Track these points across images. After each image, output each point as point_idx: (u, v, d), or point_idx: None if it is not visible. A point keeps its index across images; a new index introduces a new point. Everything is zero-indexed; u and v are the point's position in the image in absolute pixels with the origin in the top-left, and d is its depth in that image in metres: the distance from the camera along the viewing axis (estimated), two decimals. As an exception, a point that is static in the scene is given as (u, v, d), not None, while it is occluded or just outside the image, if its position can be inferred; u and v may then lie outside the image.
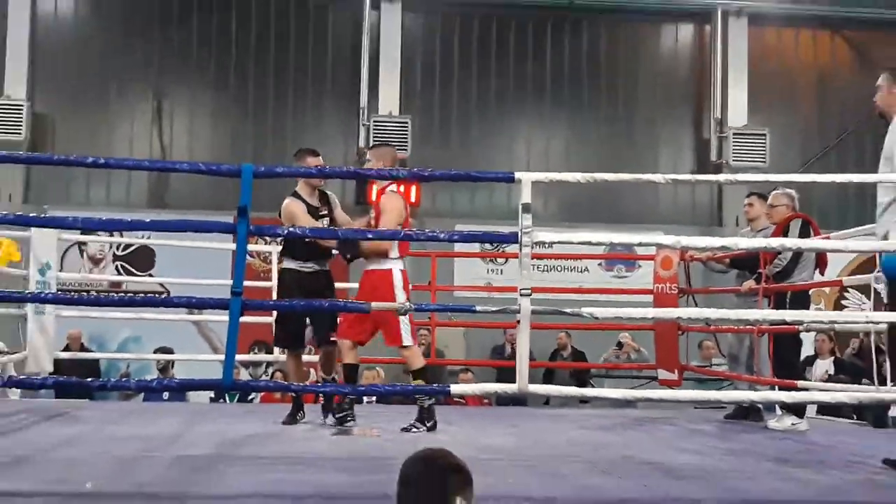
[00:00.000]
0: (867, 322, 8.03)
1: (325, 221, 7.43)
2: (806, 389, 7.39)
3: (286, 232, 6.53)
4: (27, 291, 8.64)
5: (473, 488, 2.85)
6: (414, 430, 6.88)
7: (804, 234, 7.94)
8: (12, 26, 15.50)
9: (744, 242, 7.18)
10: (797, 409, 7.93)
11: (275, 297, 8.32)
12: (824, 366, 11.64)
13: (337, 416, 7.12)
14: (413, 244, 7.99)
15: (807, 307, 8.40)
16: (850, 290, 13.34)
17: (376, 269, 6.97)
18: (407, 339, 7.12)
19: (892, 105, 5.48)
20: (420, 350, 7.67)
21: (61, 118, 15.78)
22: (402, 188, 7.84)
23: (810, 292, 8.81)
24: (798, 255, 7.84)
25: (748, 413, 8.50)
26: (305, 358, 8.24)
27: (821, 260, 8.26)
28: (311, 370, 9.70)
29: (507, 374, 10.97)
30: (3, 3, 15.50)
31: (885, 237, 5.25)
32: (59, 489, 4.32)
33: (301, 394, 7.45)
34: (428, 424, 6.91)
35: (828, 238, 7.97)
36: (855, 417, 10.65)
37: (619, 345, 12.95)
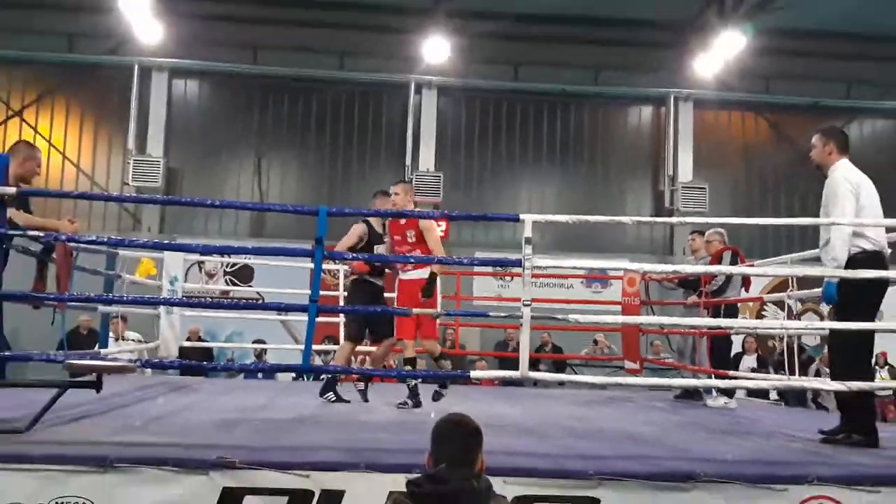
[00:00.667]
0: (781, 328, 8.00)
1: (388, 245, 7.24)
2: (735, 378, 7.33)
3: (350, 257, 6.54)
4: (160, 297, 8.73)
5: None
6: (405, 405, 6.69)
7: (733, 262, 7.94)
8: (154, 103, 15.69)
9: (688, 268, 7.22)
10: (728, 392, 7.90)
11: (342, 302, 8.31)
12: (749, 361, 11.61)
13: (410, 398, 6.78)
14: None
15: (735, 316, 8.43)
16: (768, 304, 13.25)
17: (415, 279, 6.71)
18: (436, 334, 7.12)
19: (825, 160, 5.34)
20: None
21: (188, 170, 15.91)
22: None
23: (738, 306, 8.79)
24: (729, 277, 7.83)
25: (692, 395, 8.46)
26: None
27: (746, 281, 8.29)
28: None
29: (508, 363, 11.04)
30: (148, 87, 15.68)
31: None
32: (181, 441, 4.34)
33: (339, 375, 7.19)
34: (414, 401, 6.71)
35: (751, 265, 7.99)
36: (780, 399, 10.62)
37: (595, 342, 12.92)
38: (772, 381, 7.62)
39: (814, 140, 5.45)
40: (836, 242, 5.04)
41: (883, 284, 5.06)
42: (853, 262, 5.02)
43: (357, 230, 7.18)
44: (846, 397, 5.15)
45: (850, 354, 5.10)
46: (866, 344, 5.18)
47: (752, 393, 9.82)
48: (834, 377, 5.11)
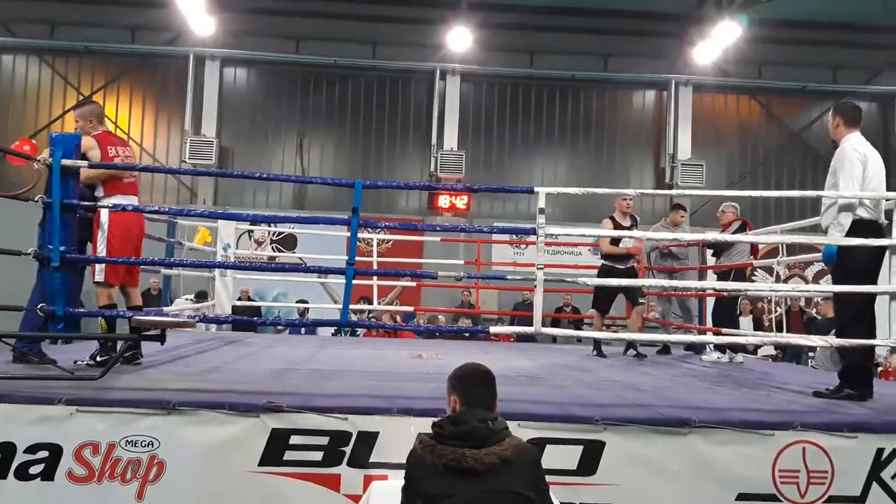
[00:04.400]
0: (770, 291, 7.91)
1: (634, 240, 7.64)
2: (729, 335, 7.16)
3: (383, 225, 6.52)
4: (216, 261, 8.81)
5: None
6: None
7: (741, 231, 7.79)
8: (207, 89, 15.74)
9: (686, 236, 7.14)
10: (734, 349, 7.79)
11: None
12: (745, 322, 11.50)
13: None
14: (464, 234, 8.04)
15: (743, 280, 7.91)
16: (757, 269, 13.12)
17: None
18: None
19: (834, 133, 5.19)
20: None
21: (238, 149, 15.97)
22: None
23: (745, 270, 8.43)
24: (732, 244, 7.72)
25: (668, 349, 8.60)
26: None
27: (754, 249, 8.17)
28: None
29: (525, 321, 11.04)
30: (202, 74, 15.71)
31: (826, 231, 5.06)
32: (235, 388, 4.39)
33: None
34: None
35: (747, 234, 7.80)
36: (780, 355, 10.45)
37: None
38: (764, 338, 7.52)
39: (828, 117, 5.33)
40: (841, 208, 4.92)
41: (879, 252, 4.93)
42: (851, 229, 4.89)
43: (607, 224, 7.70)
44: (848, 357, 5.03)
45: (848, 315, 5.01)
46: (866, 307, 5.01)
47: (752, 351, 9.75)
48: (837, 335, 5.00)
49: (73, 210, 4.67)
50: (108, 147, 5.20)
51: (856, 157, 4.95)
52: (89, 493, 3.71)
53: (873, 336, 4.96)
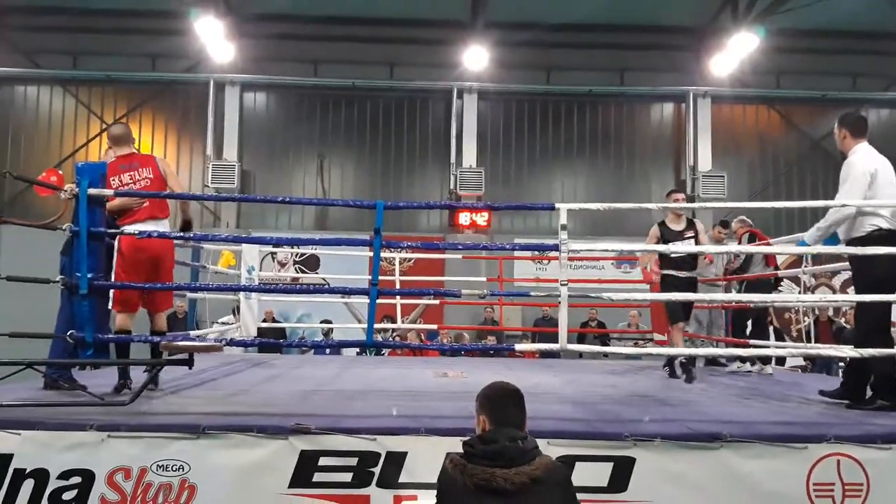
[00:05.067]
0: (797, 302, 7.82)
1: (691, 242, 6.86)
2: (756, 346, 7.10)
3: (406, 245, 6.54)
4: (240, 284, 8.86)
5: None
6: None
7: (751, 242, 7.77)
8: (228, 114, 15.92)
9: (709, 248, 7.09)
10: (763, 360, 7.69)
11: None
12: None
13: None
14: (486, 251, 7.88)
15: (768, 291, 7.84)
16: (784, 280, 12.97)
17: None
18: None
19: (842, 145, 5.22)
20: None
21: (259, 172, 16.10)
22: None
23: (771, 281, 8.14)
24: (749, 256, 7.68)
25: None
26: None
27: (770, 260, 8.01)
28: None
29: (548, 337, 10.99)
30: (222, 100, 15.91)
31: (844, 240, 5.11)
32: (263, 411, 4.40)
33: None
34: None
35: (767, 244, 7.72)
36: (810, 366, 10.26)
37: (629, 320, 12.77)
38: (789, 348, 7.44)
39: (834, 130, 5.32)
40: (832, 216, 4.98)
41: None
42: (870, 239, 4.87)
43: (653, 232, 7.09)
44: (870, 365, 4.95)
45: (869, 325, 4.96)
46: (885, 316, 4.98)
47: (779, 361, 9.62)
48: (858, 346, 4.95)
49: (100, 238, 4.73)
50: (112, 178, 5.19)
51: (862, 170, 4.94)
52: (122, 519, 3.73)
53: (891, 344, 4.90)
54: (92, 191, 4.66)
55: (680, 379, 6.85)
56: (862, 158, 5.02)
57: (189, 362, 4.82)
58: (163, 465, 3.78)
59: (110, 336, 4.98)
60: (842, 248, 4.97)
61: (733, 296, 7.77)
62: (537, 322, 13.26)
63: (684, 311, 7.09)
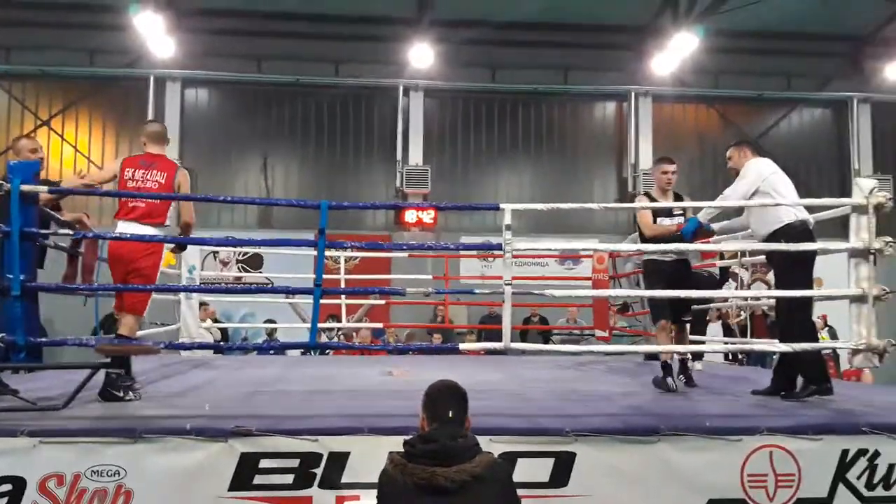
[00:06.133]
0: (734, 297, 7.98)
1: (681, 219, 5.96)
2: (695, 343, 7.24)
3: (350, 245, 6.49)
4: (180, 285, 8.70)
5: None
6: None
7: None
8: (168, 111, 15.57)
9: (649, 247, 7.13)
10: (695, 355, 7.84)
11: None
12: (715, 328, 11.53)
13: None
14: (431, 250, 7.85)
15: (713, 287, 7.92)
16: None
17: None
18: None
19: (740, 161, 5.81)
20: None
21: (201, 170, 15.74)
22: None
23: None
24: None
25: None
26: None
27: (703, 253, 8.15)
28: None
29: (493, 335, 11.05)
30: (162, 96, 15.58)
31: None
32: (203, 413, 4.33)
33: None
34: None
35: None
36: (744, 360, 10.52)
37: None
38: (727, 343, 7.63)
39: (728, 153, 5.93)
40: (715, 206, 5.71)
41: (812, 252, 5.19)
42: (792, 228, 5.19)
43: (643, 202, 6.22)
44: (797, 356, 5.14)
45: (790, 303, 5.21)
46: (806, 306, 5.27)
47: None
48: (782, 338, 5.13)
49: (32, 238, 4.59)
50: (126, 169, 5.28)
51: (758, 172, 5.53)
52: (55, 527, 3.63)
53: (811, 321, 5.27)
54: (25, 187, 4.50)
55: (676, 391, 5.67)
56: (761, 162, 5.61)
57: (125, 365, 4.71)
58: (97, 471, 3.68)
59: (43, 340, 4.84)
60: (803, 245, 5.14)
61: (673, 293, 7.88)
62: (483, 319, 13.30)
63: (672, 306, 5.81)
